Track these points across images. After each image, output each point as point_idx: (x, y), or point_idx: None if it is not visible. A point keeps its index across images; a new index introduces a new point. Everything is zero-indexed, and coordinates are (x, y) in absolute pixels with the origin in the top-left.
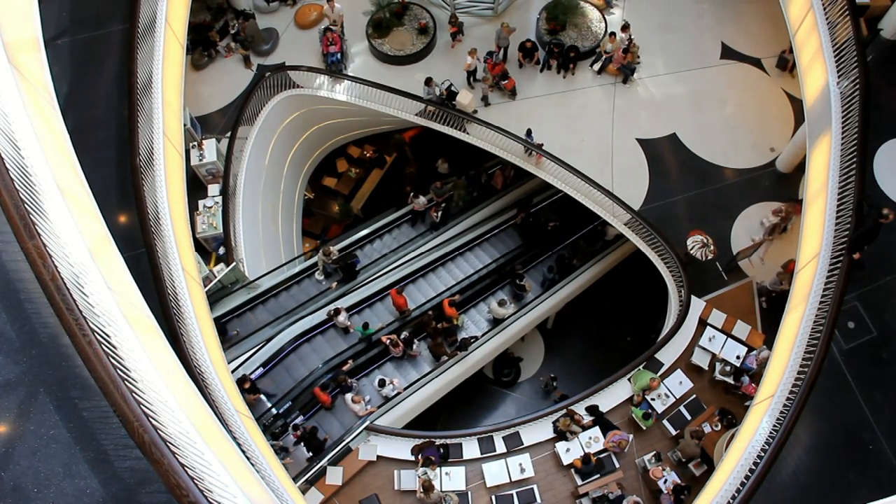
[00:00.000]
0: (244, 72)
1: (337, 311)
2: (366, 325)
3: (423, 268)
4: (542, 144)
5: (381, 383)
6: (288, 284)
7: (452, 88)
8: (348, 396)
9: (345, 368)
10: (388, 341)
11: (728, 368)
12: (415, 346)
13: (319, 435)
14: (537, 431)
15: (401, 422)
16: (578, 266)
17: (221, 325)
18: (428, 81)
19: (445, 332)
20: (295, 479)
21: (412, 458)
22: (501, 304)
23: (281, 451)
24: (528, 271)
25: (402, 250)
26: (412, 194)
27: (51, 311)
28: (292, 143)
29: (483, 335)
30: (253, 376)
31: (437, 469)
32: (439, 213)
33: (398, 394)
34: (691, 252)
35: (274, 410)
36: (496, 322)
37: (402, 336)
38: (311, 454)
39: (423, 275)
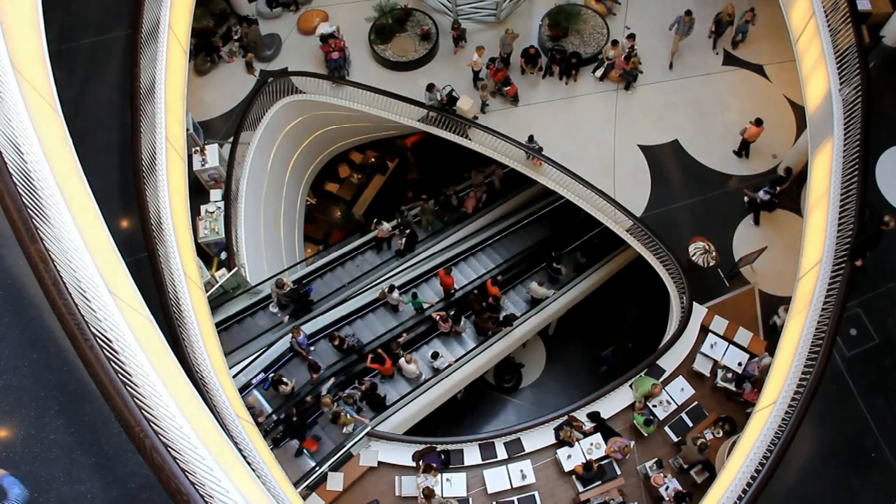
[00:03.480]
0: (247, 77)
1: (391, 289)
2: (414, 296)
3: (463, 252)
4: (542, 149)
5: (434, 355)
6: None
7: (453, 94)
8: (402, 361)
9: (400, 340)
10: (438, 317)
11: (730, 375)
12: (462, 323)
13: (379, 391)
14: (538, 438)
15: (402, 427)
16: (607, 252)
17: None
18: (430, 87)
19: (490, 308)
20: (296, 484)
21: (413, 464)
22: (541, 284)
23: (354, 404)
24: (562, 256)
25: (364, 278)
26: (375, 220)
27: (52, 315)
28: (294, 148)
29: (523, 314)
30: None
31: (438, 475)
32: (403, 241)
33: (448, 366)
34: (693, 259)
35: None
36: (534, 302)
37: (451, 313)
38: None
39: (464, 258)
